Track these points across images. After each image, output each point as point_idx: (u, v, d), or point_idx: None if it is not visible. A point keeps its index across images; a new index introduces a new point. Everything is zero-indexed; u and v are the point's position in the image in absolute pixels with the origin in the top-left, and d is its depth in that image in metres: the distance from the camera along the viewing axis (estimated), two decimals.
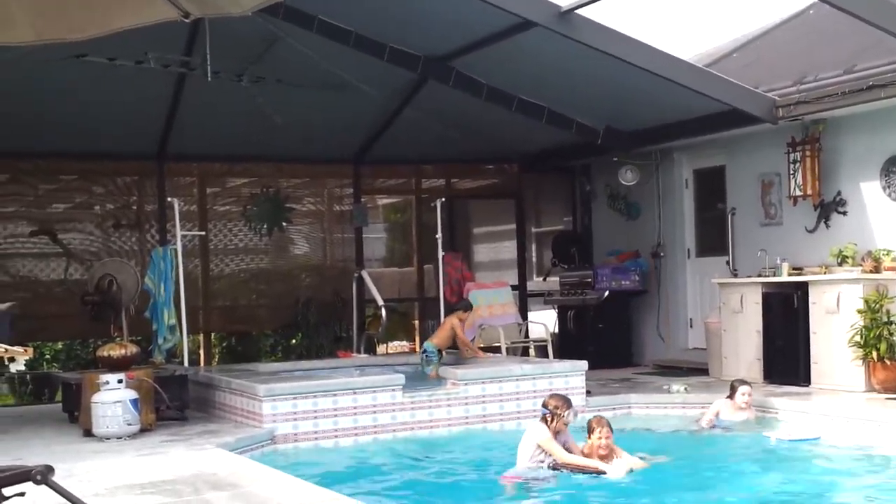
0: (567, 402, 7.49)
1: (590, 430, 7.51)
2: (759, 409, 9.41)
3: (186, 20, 4.12)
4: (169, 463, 7.30)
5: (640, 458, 7.70)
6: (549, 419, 7.42)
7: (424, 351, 10.63)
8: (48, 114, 11.68)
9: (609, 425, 7.50)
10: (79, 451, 7.97)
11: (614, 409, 10.00)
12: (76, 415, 9.18)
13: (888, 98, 9.77)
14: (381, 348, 14.42)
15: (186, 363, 10.75)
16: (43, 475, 3.61)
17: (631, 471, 7.40)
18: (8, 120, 11.32)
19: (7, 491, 3.64)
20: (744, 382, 9.37)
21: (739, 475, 7.62)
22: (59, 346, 15.42)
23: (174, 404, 9.20)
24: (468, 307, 11.20)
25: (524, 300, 14.83)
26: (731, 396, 9.24)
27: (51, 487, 3.64)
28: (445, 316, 11.42)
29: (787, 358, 10.69)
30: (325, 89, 11.84)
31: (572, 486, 7.14)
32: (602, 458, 7.40)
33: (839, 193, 10.91)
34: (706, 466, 7.96)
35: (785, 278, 10.87)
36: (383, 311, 11.91)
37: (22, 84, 10.79)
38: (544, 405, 7.54)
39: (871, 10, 9.04)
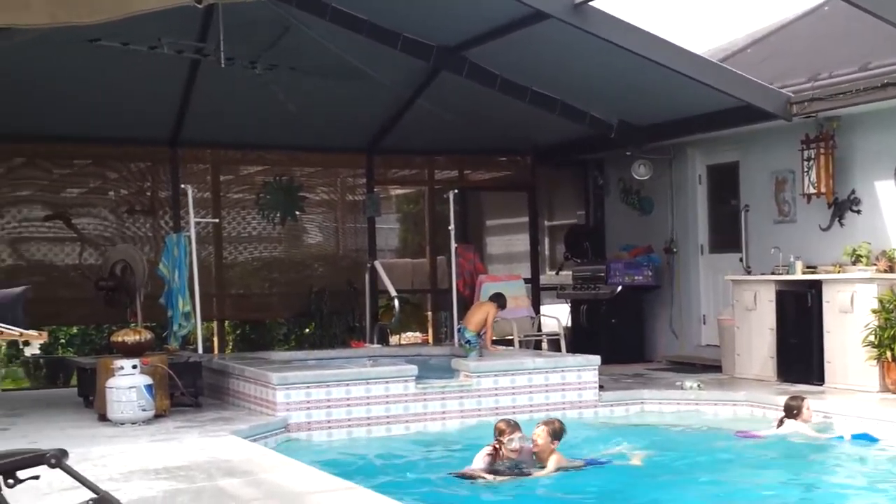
0: (512, 428, 7.29)
1: (500, 433, 7.31)
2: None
3: (199, 5, 4.12)
4: (183, 449, 7.33)
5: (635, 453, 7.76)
6: (499, 450, 7.26)
7: (468, 341, 10.46)
8: (63, 98, 11.68)
9: (552, 431, 7.35)
10: (93, 435, 8.02)
11: (627, 404, 10.04)
12: (91, 399, 9.23)
13: None
14: (393, 339, 14.44)
15: (200, 350, 10.77)
16: (57, 459, 3.62)
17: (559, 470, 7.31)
18: (24, 104, 11.34)
19: (21, 474, 3.66)
20: (801, 398, 8.88)
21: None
22: (74, 330, 15.48)
23: (188, 391, 9.25)
24: (504, 304, 11.11)
25: (537, 293, 14.81)
26: (795, 416, 8.71)
27: (65, 471, 3.65)
28: (471, 305, 11.42)
29: (800, 356, 10.65)
30: (338, 78, 11.84)
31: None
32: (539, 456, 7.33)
33: (853, 192, 10.88)
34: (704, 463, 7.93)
35: (798, 276, 10.82)
36: (396, 302, 11.91)
37: (37, 68, 10.80)
38: (494, 429, 7.37)
39: (887, 7, 9.00)
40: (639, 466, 7.71)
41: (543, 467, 7.31)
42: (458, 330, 10.84)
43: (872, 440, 8.38)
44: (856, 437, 8.45)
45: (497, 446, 7.28)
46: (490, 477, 7.15)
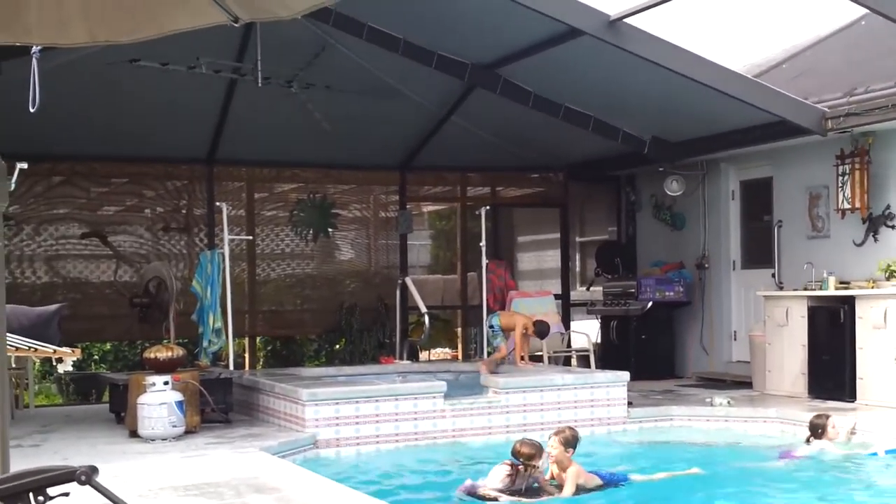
0: (540, 451, 7.06)
1: (530, 458, 7.05)
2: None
3: (236, 24, 4.16)
4: (212, 465, 7.38)
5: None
6: (520, 469, 6.98)
7: (491, 326, 10.81)
8: (101, 117, 11.85)
9: (564, 440, 7.17)
10: (124, 451, 8.08)
11: (656, 420, 9.99)
12: (122, 415, 9.30)
13: None
14: (423, 355, 14.45)
15: (232, 366, 10.85)
16: (87, 475, 3.63)
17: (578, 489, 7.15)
18: (63, 123, 11.50)
19: (52, 491, 3.69)
20: (826, 415, 8.72)
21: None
22: (108, 346, 15.63)
23: (219, 407, 9.30)
24: (544, 333, 11.13)
25: (567, 309, 14.79)
26: (821, 435, 8.57)
27: (94, 488, 3.66)
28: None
29: (832, 373, 10.58)
30: (373, 96, 11.91)
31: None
32: (559, 466, 7.19)
33: (888, 207, 10.80)
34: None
35: (831, 292, 10.75)
36: (426, 318, 11.95)
37: (76, 88, 10.95)
38: (515, 453, 7.05)
39: None
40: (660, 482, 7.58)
41: (560, 485, 7.17)
42: (490, 315, 11.14)
43: None
44: (889, 451, 8.35)
45: (521, 469, 7.02)
46: (506, 498, 6.98)
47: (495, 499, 6.95)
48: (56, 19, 4.17)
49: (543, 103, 12.03)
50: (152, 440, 8.45)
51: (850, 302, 10.48)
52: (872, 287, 10.44)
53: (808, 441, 8.72)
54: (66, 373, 14.32)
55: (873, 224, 10.91)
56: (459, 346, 15.37)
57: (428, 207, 16.10)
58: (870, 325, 10.21)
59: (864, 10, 11.86)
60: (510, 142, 13.73)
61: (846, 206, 10.93)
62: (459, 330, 15.32)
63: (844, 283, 10.83)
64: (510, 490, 7.04)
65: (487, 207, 12.65)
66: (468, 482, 7.24)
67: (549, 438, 7.32)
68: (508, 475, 7.05)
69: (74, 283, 12.83)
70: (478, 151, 13.90)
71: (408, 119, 13.04)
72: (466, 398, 9.42)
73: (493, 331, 10.83)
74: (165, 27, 4.28)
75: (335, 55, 11.23)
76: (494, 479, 7.10)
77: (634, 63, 10.23)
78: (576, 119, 12.30)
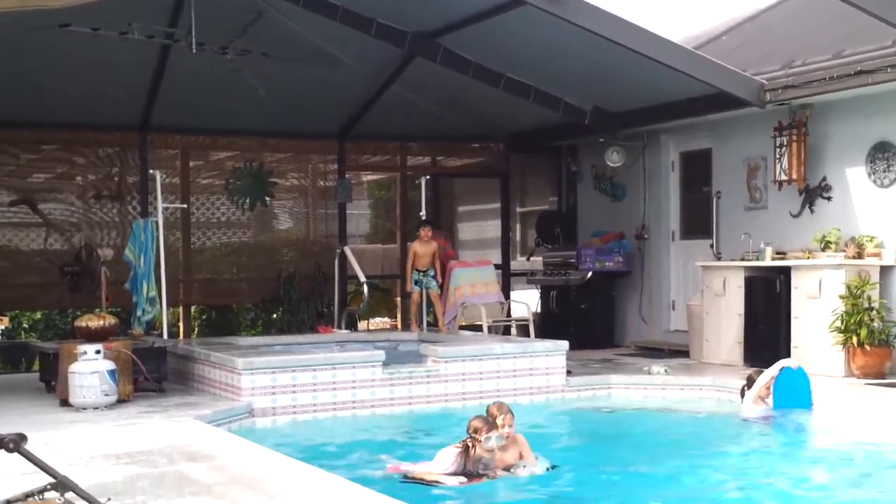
0: (490, 425, 6.55)
1: (476, 431, 6.54)
2: None
3: None
4: (145, 434, 7.26)
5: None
6: (469, 444, 6.49)
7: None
8: (31, 83, 11.55)
9: (510, 412, 6.78)
10: (55, 420, 7.93)
11: (594, 388, 10.04)
12: (53, 384, 9.14)
13: (875, 84, 9.79)
14: (362, 324, 14.38)
15: (165, 335, 10.69)
16: (15, 443, 3.56)
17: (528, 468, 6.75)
18: None
19: None
20: (761, 372, 9.00)
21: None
22: (38, 315, 15.34)
23: (152, 376, 9.16)
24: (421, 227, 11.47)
25: (507, 279, 14.81)
26: (748, 387, 8.94)
27: (23, 456, 3.59)
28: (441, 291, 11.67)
29: (767, 342, 10.70)
30: (311, 63, 11.74)
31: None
32: (503, 447, 6.70)
33: (825, 179, 10.91)
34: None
35: (768, 262, 10.87)
36: (365, 288, 11.88)
37: (5, 54, 10.68)
38: (468, 427, 6.57)
39: None
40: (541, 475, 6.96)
41: (504, 466, 6.70)
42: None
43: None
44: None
45: (470, 444, 6.52)
46: (455, 480, 6.43)
47: (437, 482, 6.45)
48: None
49: (484, 73, 11.97)
50: (84, 409, 8.31)
51: (786, 272, 10.60)
52: (808, 258, 10.57)
53: (741, 393, 8.96)
54: None
55: (810, 195, 11.03)
56: (398, 315, 15.31)
57: (367, 176, 15.98)
58: (805, 295, 10.33)
59: None
60: (450, 111, 13.64)
61: (783, 177, 11.03)
62: (398, 299, 15.26)
63: (781, 254, 10.95)
64: (463, 473, 6.55)
65: (427, 177, 12.56)
66: (397, 463, 6.96)
67: (506, 415, 6.77)
68: (460, 454, 6.54)
69: (3, 251, 12.57)
70: (418, 120, 13.81)
71: (346, 87, 12.89)
72: (405, 367, 9.39)
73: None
74: None
75: (272, 21, 11.04)
76: (443, 460, 6.58)
77: (575, 33, 10.20)
78: (517, 89, 12.26)
